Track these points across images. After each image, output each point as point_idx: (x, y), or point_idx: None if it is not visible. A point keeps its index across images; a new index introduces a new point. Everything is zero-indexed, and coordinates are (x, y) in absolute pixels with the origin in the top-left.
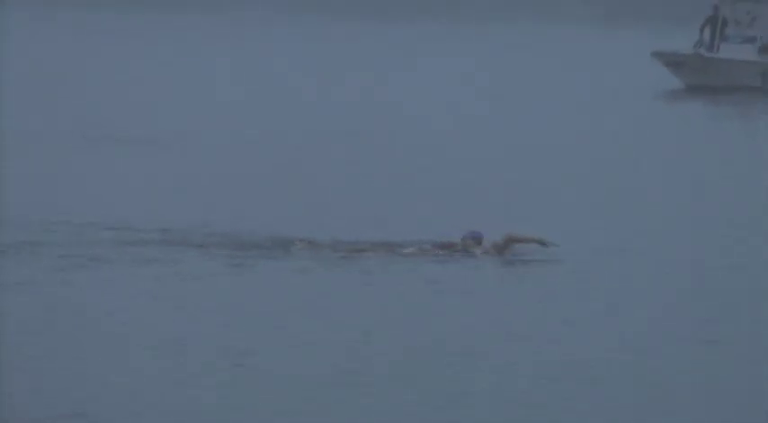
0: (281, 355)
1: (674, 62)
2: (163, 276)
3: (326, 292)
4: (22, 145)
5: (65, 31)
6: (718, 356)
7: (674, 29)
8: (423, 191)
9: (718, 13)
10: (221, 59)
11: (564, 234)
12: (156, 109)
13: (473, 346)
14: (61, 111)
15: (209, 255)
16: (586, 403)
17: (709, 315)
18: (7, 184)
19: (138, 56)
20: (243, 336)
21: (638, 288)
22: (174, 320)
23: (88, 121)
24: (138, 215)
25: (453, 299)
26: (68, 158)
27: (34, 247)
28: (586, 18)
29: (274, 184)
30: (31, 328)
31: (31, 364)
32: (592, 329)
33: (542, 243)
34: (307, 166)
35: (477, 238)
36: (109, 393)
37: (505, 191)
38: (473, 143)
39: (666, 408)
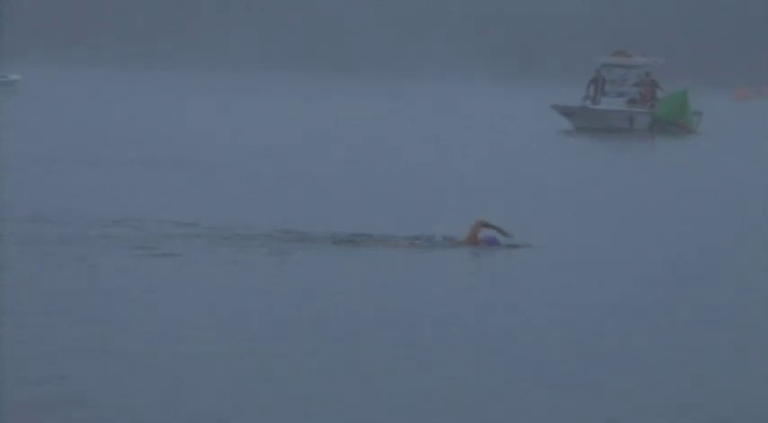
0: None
1: (566, 112)
2: (218, 264)
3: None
4: (98, 165)
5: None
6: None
7: (566, 86)
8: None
9: (600, 75)
10: (242, 107)
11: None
12: (205, 141)
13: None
14: (131, 141)
15: (251, 247)
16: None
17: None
18: (86, 191)
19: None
20: (257, 319)
21: (584, 269)
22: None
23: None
24: (188, 215)
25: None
26: (140, 174)
27: (108, 240)
28: (499, 79)
29: (304, 195)
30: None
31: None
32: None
33: (503, 233)
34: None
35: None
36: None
37: (464, 194)
38: (435, 168)
39: (626, 378)
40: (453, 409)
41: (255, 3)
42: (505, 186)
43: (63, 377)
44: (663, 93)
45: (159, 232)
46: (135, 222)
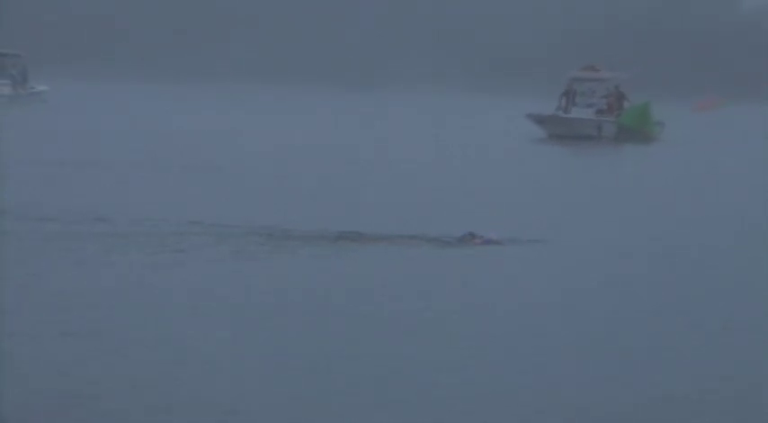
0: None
1: (540, 120)
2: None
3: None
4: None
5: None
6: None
7: (541, 98)
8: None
9: (571, 87)
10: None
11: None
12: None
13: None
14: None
15: (253, 243)
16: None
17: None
18: (97, 192)
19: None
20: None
21: (556, 266)
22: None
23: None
24: (195, 213)
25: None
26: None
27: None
28: (481, 90)
29: (307, 198)
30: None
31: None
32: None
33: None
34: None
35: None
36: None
37: (454, 194)
38: (426, 170)
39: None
40: (449, 404)
41: (251, 20)
42: (489, 186)
43: (66, 372)
44: (629, 104)
45: (168, 230)
46: (145, 221)
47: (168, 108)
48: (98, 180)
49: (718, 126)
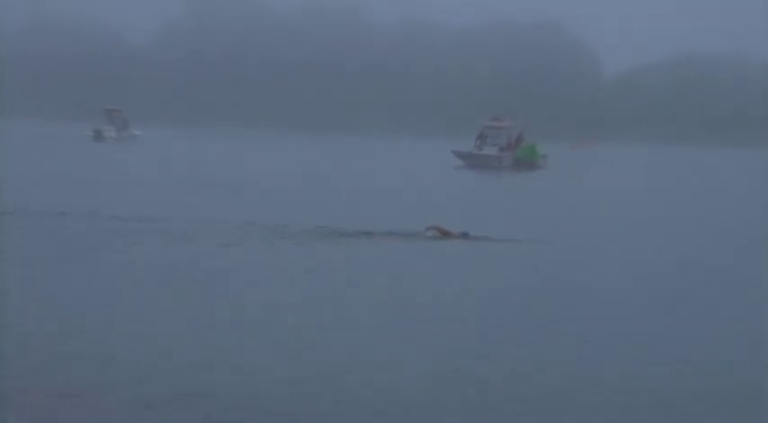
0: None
1: (461, 155)
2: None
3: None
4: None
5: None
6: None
7: (462, 138)
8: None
9: (483, 132)
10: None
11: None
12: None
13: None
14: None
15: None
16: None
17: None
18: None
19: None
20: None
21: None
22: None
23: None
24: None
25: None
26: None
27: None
28: (420, 134)
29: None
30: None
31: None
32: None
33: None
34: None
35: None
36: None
37: (409, 204)
38: (385, 188)
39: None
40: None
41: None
42: (429, 196)
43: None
44: (524, 144)
45: (224, 228)
46: (213, 222)
47: (221, 146)
48: (170, 194)
49: (587, 160)
